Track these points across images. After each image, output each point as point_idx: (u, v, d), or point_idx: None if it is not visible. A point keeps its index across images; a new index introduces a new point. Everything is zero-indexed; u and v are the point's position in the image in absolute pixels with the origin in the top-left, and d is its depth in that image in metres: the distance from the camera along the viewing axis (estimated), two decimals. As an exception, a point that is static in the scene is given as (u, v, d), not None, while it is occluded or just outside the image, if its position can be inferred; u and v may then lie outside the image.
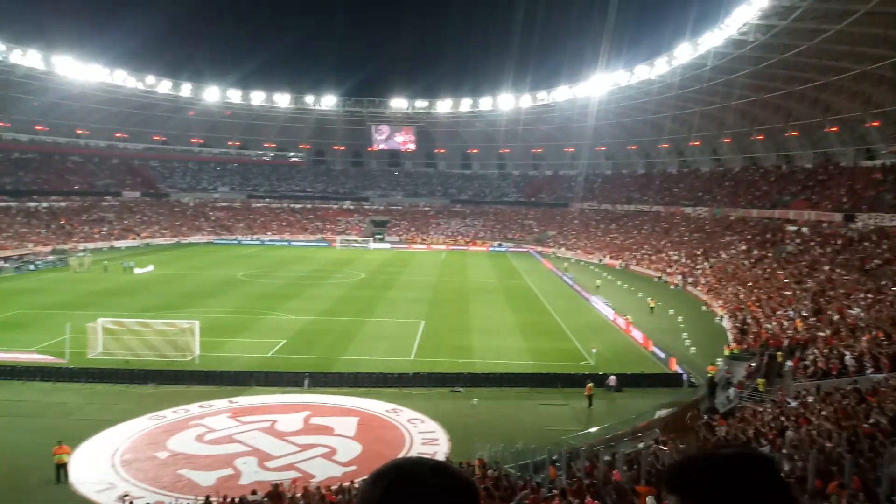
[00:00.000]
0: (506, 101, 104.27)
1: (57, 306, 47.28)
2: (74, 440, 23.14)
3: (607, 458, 18.10)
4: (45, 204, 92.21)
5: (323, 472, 21.79)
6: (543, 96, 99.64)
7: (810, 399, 22.42)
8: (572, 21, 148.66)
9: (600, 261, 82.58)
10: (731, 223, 71.40)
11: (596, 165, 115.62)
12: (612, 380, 31.44)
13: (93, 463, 22.36)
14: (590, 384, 29.81)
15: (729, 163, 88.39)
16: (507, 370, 33.01)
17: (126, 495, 19.31)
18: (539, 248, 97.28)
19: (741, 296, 47.56)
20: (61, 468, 21.21)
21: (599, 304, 51.87)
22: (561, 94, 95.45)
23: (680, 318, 47.11)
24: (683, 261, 67.94)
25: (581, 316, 49.13)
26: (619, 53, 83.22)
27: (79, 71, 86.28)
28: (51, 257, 75.00)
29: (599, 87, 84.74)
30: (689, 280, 61.65)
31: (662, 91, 76.25)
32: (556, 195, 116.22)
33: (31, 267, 68.33)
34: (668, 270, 67.84)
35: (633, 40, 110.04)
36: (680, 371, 33.39)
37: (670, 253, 72.87)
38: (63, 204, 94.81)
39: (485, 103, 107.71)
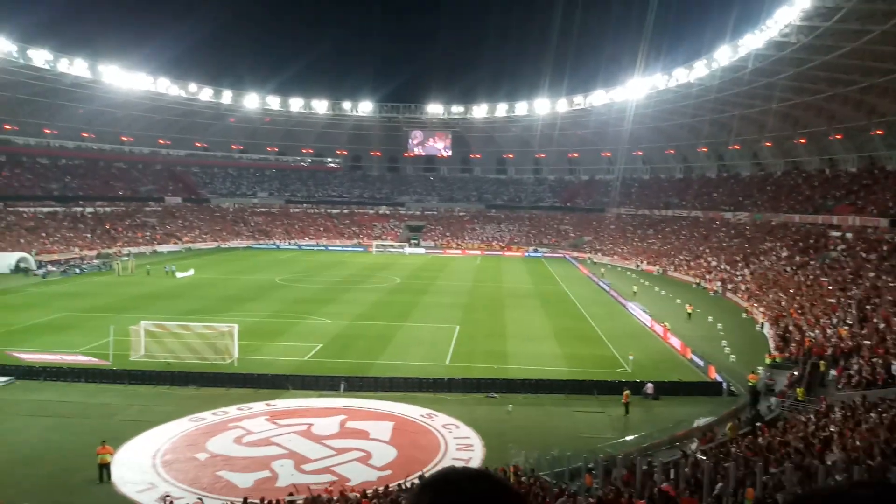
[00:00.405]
0: (542, 106, 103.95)
1: (101, 309, 48.48)
2: (117, 441, 23.66)
3: (645, 466, 17.89)
4: (90, 209, 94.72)
5: (358, 476, 21.91)
6: (580, 100, 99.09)
7: (856, 409, 21.85)
8: (610, 25, 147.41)
9: (637, 266, 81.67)
10: (772, 228, 69.96)
11: (633, 170, 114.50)
12: (650, 387, 31.04)
13: (134, 463, 22.83)
14: (627, 391, 29.48)
15: (770, 167, 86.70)
16: (542, 376, 32.82)
17: (167, 496, 19.68)
18: (575, 254, 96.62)
19: (783, 303, 46.56)
20: (104, 468, 21.67)
21: (636, 311, 51.27)
22: (598, 98, 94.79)
23: (719, 326, 46.31)
24: (723, 267, 66.78)
25: (618, 322, 48.62)
26: (658, 57, 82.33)
27: (124, 79, 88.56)
28: (96, 261, 77.00)
29: (637, 90, 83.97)
30: (729, 286, 60.57)
31: (701, 94, 75.17)
32: (592, 200, 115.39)
33: (77, 271, 70.21)
34: (707, 277, 66.77)
35: (672, 44, 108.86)
36: (719, 379, 32.79)
37: (709, 259, 71.71)
38: (108, 209, 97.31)
39: (521, 108, 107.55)
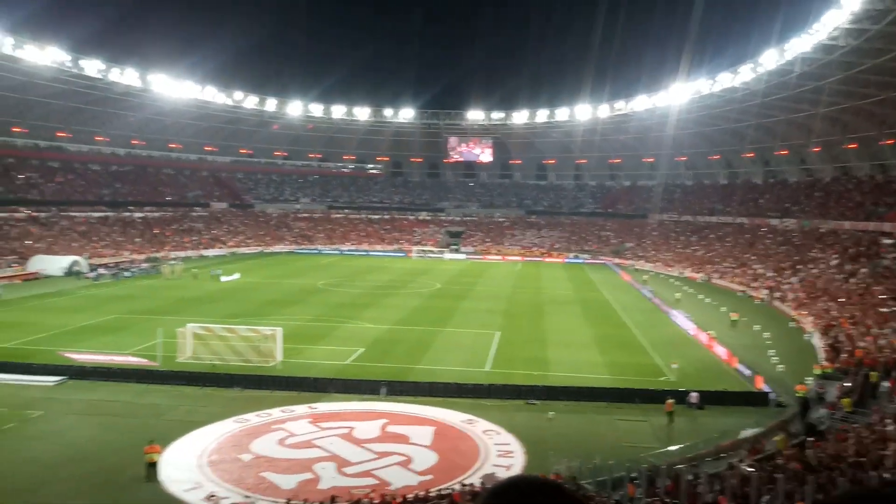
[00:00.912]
0: (583, 112, 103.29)
1: (150, 312, 49.71)
2: (165, 440, 24.21)
3: (690, 477, 17.62)
4: (139, 214, 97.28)
5: (399, 480, 22.02)
6: (622, 106, 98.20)
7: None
8: (653, 30, 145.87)
9: (681, 274, 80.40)
10: (821, 235, 68.21)
11: (676, 176, 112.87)
12: (694, 396, 30.52)
13: (181, 462, 23.33)
14: (670, 400, 29.03)
15: (818, 172, 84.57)
16: (583, 384, 32.54)
17: (213, 495, 20.07)
18: (617, 260, 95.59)
19: (833, 312, 45.33)
20: (152, 467, 22.18)
21: (680, 318, 50.48)
22: (640, 103, 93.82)
23: (766, 335, 45.29)
24: (769, 275, 65.33)
25: (661, 330, 47.93)
26: (702, 61, 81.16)
27: (172, 88, 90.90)
28: (145, 265, 78.99)
29: (680, 95, 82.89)
30: (776, 295, 59.21)
31: (746, 99, 73.83)
32: (634, 206, 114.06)
33: (127, 274, 72.12)
34: (753, 284, 65.36)
35: (717, 48, 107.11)
36: (767, 389, 32.06)
37: (755, 266, 70.21)
38: (156, 214, 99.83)
39: (561, 114, 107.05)
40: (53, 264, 70.08)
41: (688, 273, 79.82)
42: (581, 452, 23.30)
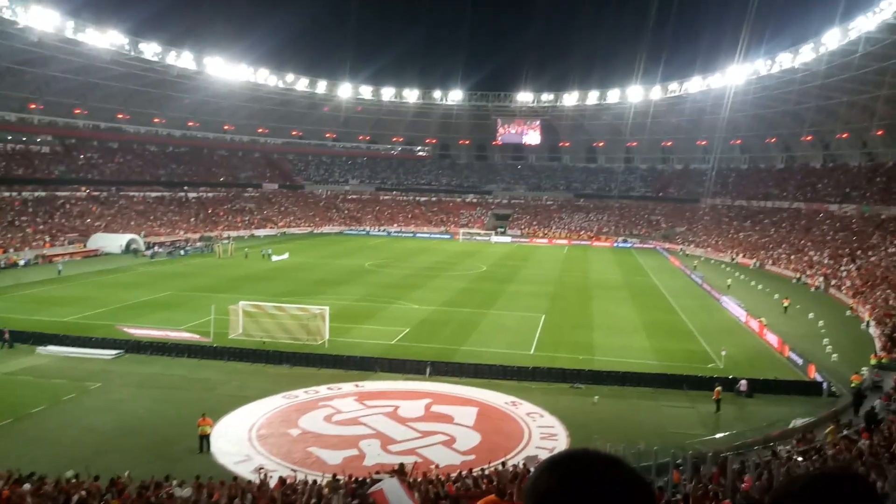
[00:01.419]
0: (635, 93, 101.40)
1: (203, 289, 51.11)
2: (216, 413, 24.99)
3: (736, 465, 17.37)
4: (194, 194, 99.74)
5: (442, 459, 22.29)
6: (675, 87, 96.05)
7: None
8: (709, 9, 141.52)
9: (733, 259, 78.63)
10: (881, 222, 65.73)
11: (730, 159, 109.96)
12: (743, 384, 29.97)
13: (232, 435, 24.07)
14: (718, 388, 28.58)
15: (881, 156, 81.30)
16: (629, 369, 32.25)
17: (262, 468, 20.67)
18: (666, 245, 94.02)
19: (891, 301, 43.77)
20: (204, 439, 22.94)
21: (731, 305, 49.46)
22: (694, 84, 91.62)
23: (820, 323, 44.06)
24: (826, 262, 63.37)
25: (710, 316, 47.10)
26: (760, 42, 78.50)
27: (226, 70, 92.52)
28: (199, 244, 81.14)
29: (736, 76, 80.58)
30: (832, 282, 57.45)
31: (806, 80, 71.30)
32: (685, 190, 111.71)
33: (182, 252, 74.22)
34: (809, 272, 63.54)
35: (776, 28, 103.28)
36: (819, 379, 31.26)
37: (811, 253, 68.18)
38: (210, 194, 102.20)
39: (613, 95, 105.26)
40: (112, 242, 72.54)
41: (740, 259, 78.03)
42: (625, 437, 23.17)
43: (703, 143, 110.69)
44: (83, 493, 14.77)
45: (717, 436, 24.69)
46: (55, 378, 29.79)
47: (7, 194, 74.57)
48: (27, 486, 15.30)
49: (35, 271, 58.45)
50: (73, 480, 16.72)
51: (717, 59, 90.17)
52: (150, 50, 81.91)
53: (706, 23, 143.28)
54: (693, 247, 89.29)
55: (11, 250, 63.88)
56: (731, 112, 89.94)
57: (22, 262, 61.60)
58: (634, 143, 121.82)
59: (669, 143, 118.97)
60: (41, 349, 33.73)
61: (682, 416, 27.52)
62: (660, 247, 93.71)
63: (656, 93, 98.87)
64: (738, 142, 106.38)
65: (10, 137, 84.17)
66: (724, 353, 35.42)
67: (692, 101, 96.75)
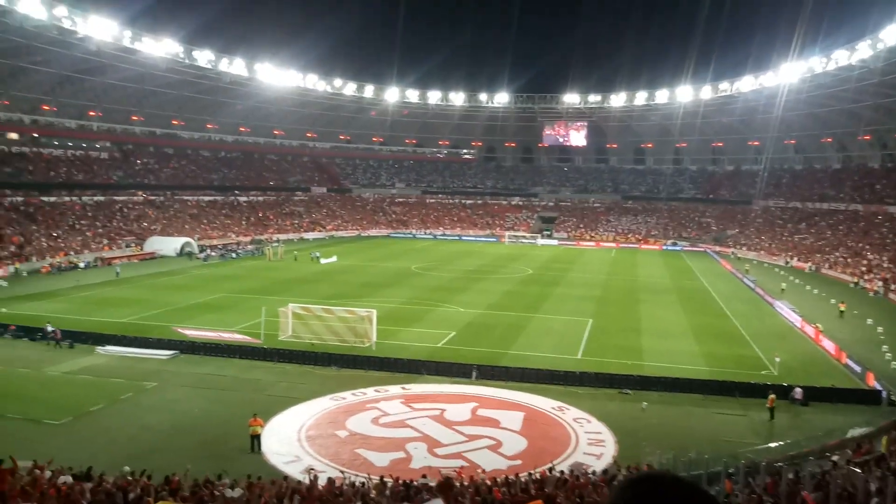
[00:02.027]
0: (684, 93, 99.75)
1: (254, 291, 52.14)
2: (266, 414, 25.45)
3: (791, 475, 16.93)
4: (245, 198, 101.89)
5: (489, 463, 22.27)
6: (726, 87, 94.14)
7: None
8: (762, 7, 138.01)
9: (787, 263, 76.57)
10: (947, 224, 63.20)
11: (784, 159, 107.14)
12: (798, 392, 29.14)
13: (282, 436, 24.48)
14: (772, 395, 27.84)
15: (946, 156, 78.14)
16: (679, 375, 31.69)
17: (311, 469, 20.98)
18: (717, 248, 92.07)
19: (958, 307, 42.03)
20: (255, 439, 23.40)
21: (784, 310, 48.14)
22: (746, 83, 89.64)
23: (879, 329, 42.55)
24: (886, 265, 61.16)
25: (763, 321, 45.94)
26: (815, 39, 76.34)
27: (276, 76, 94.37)
28: (250, 247, 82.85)
29: (790, 74, 78.51)
30: (892, 287, 55.40)
31: (864, 77, 69.05)
32: (737, 191, 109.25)
33: (233, 255, 75.88)
34: (867, 276, 61.42)
35: (831, 24, 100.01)
36: (878, 387, 30.20)
37: (870, 256, 65.93)
38: (260, 198, 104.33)
39: (661, 96, 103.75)
40: (167, 245, 74.60)
41: (794, 262, 75.92)
42: (675, 445, 22.79)
43: (756, 143, 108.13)
44: (139, 490, 15.23)
45: (771, 445, 24.05)
46: (113, 377, 30.78)
47: (68, 199, 77.41)
48: (87, 484, 15.85)
49: (94, 273, 60.53)
50: (130, 478, 17.26)
51: (770, 58, 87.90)
52: (204, 57, 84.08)
53: (758, 21, 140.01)
54: (745, 250, 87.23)
55: (72, 253, 66.30)
56: (784, 111, 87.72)
57: (82, 265, 63.88)
58: (684, 144, 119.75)
59: (720, 144, 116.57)
60: (100, 349, 34.93)
61: (735, 424, 26.92)
62: (710, 250, 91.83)
63: (706, 92, 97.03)
64: (792, 142, 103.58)
65: (70, 144, 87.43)
66: (777, 359, 34.51)
67: (744, 100, 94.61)
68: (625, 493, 1.53)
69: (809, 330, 41.68)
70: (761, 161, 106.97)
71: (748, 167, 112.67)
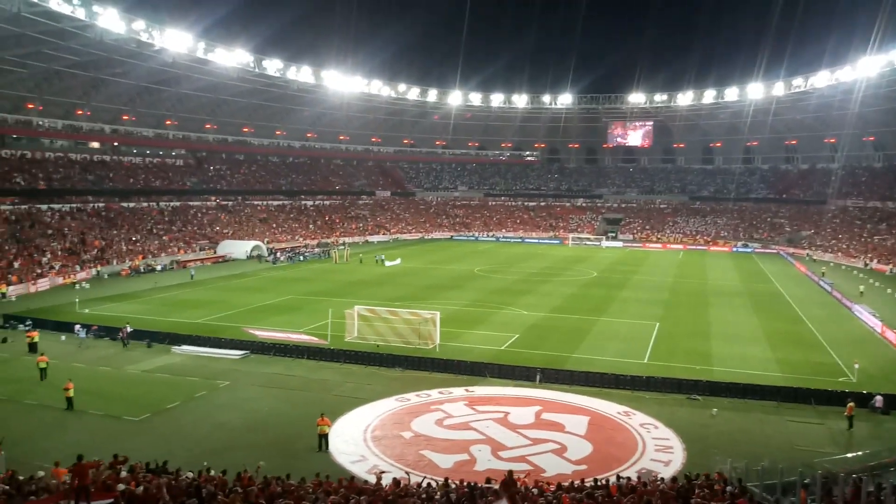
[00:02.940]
0: (755, 90, 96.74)
1: (321, 293, 53.27)
2: (333, 414, 25.96)
3: (871, 487, 16.23)
4: (311, 202, 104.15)
5: (553, 467, 22.12)
6: (800, 83, 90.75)
7: None
8: (835, 1, 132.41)
9: (866, 265, 73.24)
10: None
11: (862, 157, 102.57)
12: (879, 400, 27.85)
13: (348, 436, 24.90)
14: (851, 403, 26.70)
15: None
16: (750, 381, 30.73)
17: (377, 468, 21.31)
18: (791, 250, 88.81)
19: None
20: (323, 438, 23.89)
21: (864, 314, 46.07)
22: (821, 79, 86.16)
23: (970, 335, 40.25)
24: (977, 268, 57.82)
25: (841, 326, 44.09)
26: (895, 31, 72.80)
27: (341, 83, 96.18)
28: (317, 250, 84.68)
29: (868, 68, 75.11)
30: None
31: (952, 69, 65.51)
32: (811, 191, 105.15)
33: (301, 258, 77.69)
34: (957, 279, 58.20)
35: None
36: (968, 397, 28.56)
37: (960, 258, 62.41)
38: (327, 202, 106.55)
39: (730, 93, 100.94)
40: (238, 248, 77.02)
41: (874, 265, 72.56)
42: (747, 453, 22.13)
43: (832, 140, 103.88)
44: (212, 486, 15.80)
45: (849, 455, 23.08)
46: (189, 376, 31.98)
47: (146, 204, 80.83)
48: (164, 479, 16.54)
49: (170, 276, 63.00)
50: (205, 474, 17.91)
51: (847, 52, 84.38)
52: (273, 66, 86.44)
53: (834, 14, 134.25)
54: (821, 251, 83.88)
55: (150, 256, 69.20)
56: (861, 107, 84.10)
57: (159, 268, 66.61)
58: (755, 143, 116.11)
59: (793, 142, 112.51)
60: (176, 348, 36.35)
61: (810, 433, 25.94)
62: (784, 252, 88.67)
63: (779, 89, 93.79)
64: (871, 138, 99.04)
65: (148, 152, 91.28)
66: (856, 365, 33.08)
67: (818, 96, 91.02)
68: None
69: (891, 335, 39.78)
70: (837, 159, 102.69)
71: (823, 165, 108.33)
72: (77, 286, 55.60)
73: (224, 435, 24.86)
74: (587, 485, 17.98)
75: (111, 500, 13.19)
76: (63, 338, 38.22)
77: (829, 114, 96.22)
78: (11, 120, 75.11)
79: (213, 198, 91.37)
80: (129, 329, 38.01)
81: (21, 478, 16.16)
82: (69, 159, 79.69)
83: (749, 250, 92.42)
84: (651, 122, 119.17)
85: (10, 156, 73.57)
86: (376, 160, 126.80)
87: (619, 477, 20.11)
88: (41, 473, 16.82)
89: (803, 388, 29.71)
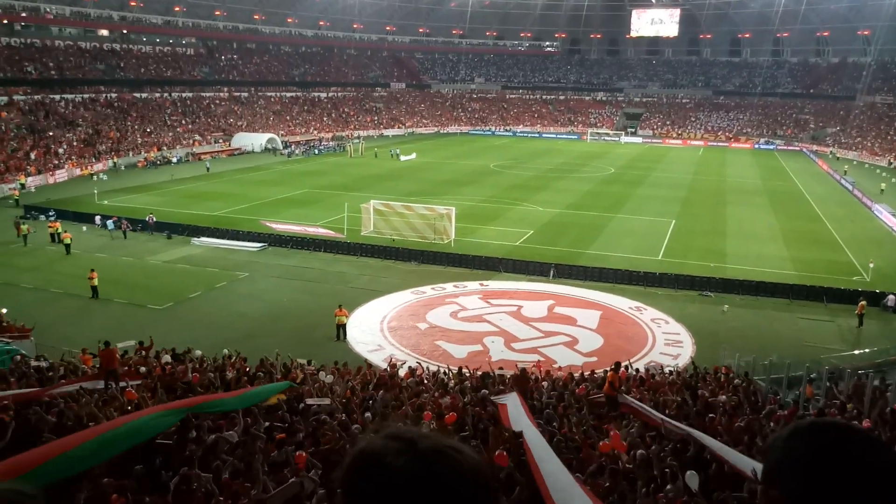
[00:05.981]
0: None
1: (336, 187, 53.28)
2: (351, 305, 26.59)
3: (877, 383, 16.59)
4: (325, 94, 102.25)
5: (564, 359, 22.76)
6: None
7: None
8: None
9: (890, 164, 71.79)
10: None
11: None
12: (891, 299, 28.02)
13: (366, 326, 25.65)
14: (863, 301, 26.90)
15: None
16: (764, 278, 30.91)
17: (393, 358, 22.03)
18: (814, 147, 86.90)
19: None
20: (341, 328, 24.65)
21: (884, 213, 45.57)
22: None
23: None
24: None
25: (859, 225, 43.77)
26: None
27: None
28: (331, 143, 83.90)
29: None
30: None
31: None
32: (841, 86, 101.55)
33: (316, 151, 77.19)
34: (983, 178, 57.05)
35: None
36: (982, 297, 28.63)
37: None
38: (341, 94, 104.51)
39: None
40: (253, 141, 76.51)
41: (900, 163, 71.09)
42: (755, 348, 22.54)
43: (866, 32, 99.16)
44: (235, 370, 16.45)
45: (857, 352, 23.49)
46: (209, 267, 32.66)
47: (158, 95, 79.75)
48: (188, 363, 17.23)
49: (186, 168, 63.04)
50: (228, 359, 18.63)
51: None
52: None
53: None
54: (845, 149, 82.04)
55: (165, 148, 69.02)
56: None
57: (175, 160, 66.55)
58: (785, 34, 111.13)
59: (826, 33, 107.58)
60: (195, 240, 36.90)
61: (820, 330, 26.31)
62: (807, 149, 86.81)
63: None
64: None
65: (158, 40, 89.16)
66: (871, 265, 33.06)
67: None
68: (801, 442, 1.26)
69: (910, 235, 39.51)
70: (870, 52, 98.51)
71: (855, 59, 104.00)
72: (94, 177, 55.89)
73: (245, 324, 25.63)
74: (597, 375, 18.46)
75: (139, 382, 13.78)
76: (84, 228, 38.81)
77: (865, 3, 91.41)
78: (19, 6, 73.14)
79: (226, 89, 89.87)
80: (153, 219, 38.59)
81: (51, 361, 16.88)
82: (79, 48, 78.08)
83: (771, 147, 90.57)
84: (678, 11, 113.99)
85: (20, 44, 72.17)
86: (391, 50, 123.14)
87: (628, 368, 20.65)
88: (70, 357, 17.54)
89: (816, 286, 29.90)
